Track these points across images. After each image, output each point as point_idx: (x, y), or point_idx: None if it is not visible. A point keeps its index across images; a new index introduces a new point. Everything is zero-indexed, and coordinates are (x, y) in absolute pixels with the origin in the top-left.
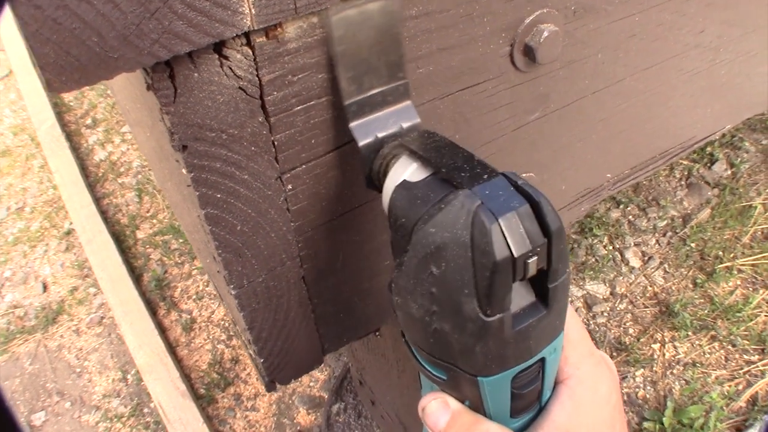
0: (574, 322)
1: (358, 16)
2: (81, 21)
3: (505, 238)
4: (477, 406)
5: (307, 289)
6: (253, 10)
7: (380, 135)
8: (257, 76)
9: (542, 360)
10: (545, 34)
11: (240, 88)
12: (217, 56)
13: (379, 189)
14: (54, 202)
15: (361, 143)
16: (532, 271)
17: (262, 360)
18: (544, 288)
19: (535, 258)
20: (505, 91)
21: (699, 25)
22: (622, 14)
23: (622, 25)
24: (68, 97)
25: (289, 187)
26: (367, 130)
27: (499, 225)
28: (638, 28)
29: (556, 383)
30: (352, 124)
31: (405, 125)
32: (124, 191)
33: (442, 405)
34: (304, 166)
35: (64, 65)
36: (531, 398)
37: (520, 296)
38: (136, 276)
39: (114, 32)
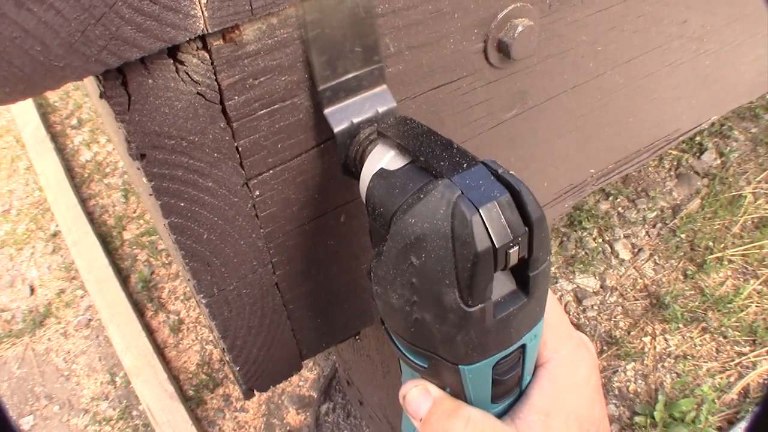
0: (553, 306)
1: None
2: (21, 30)
3: (486, 229)
4: (458, 393)
5: (281, 295)
6: (206, 13)
7: (356, 120)
8: (216, 80)
9: (523, 346)
10: (519, 29)
11: (198, 93)
12: (172, 61)
13: (356, 176)
14: (40, 204)
15: (336, 129)
16: (513, 260)
17: (238, 368)
18: (525, 276)
19: (516, 248)
20: (480, 89)
21: (681, 15)
22: (600, 6)
23: (601, 17)
24: (53, 97)
25: (257, 193)
26: (342, 116)
27: (480, 216)
28: (618, 20)
29: (536, 367)
30: (327, 110)
31: (381, 110)
32: (111, 192)
33: (423, 392)
34: (271, 172)
35: (6, 76)
36: (511, 384)
37: (501, 284)
38: (123, 277)
39: (58, 40)
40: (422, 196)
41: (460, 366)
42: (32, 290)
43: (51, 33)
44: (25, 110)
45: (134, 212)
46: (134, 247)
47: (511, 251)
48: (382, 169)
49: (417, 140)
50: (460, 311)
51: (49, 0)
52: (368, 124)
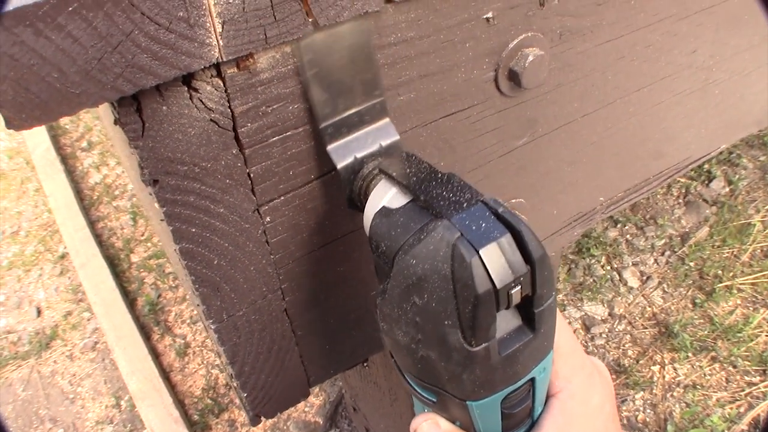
0: (564, 334)
1: (328, 38)
2: (39, 57)
3: (487, 271)
4: (468, 427)
5: (290, 321)
6: (221, 42)
7: (359, 155)
8: (229, 107)
9: (532, 380)
10: (530, 58)
11: (212, 120)
12: (186, 89)
13: (361, 209)
14: (49, 226)
15: (340, 165)
16: (516, 300)
17: (245, 394)
18: (530, 312)
19: (518, 287)
20: (490, 117)
21: (691, 45)
22: (609, 36)
23: (611, 47)
24: (64, 120)
25: (268, 219)
26: (345, 152)
27: (480, 257)
28: (627, 50)
29: (548, 397)
30: (330, 147)
31: (384, 143)
32: (119, 214)
33: (432, 426)
34: (282, 198)
35: (23, 102)
36: (522, 416)
37: (506, 321)
38: (130, 300)
39: (75, 67)
40: (423, 236)
41: (467, 402)
42: (39, 312)
43: (68, 60)
44: (35, 132)
45: (142, 235)
46: (142, 270)
47: (513, 291)
48: (384, 207)
49: (417, 177)
50: (463, 351)
51: (67, 28)
52: (372, 159)
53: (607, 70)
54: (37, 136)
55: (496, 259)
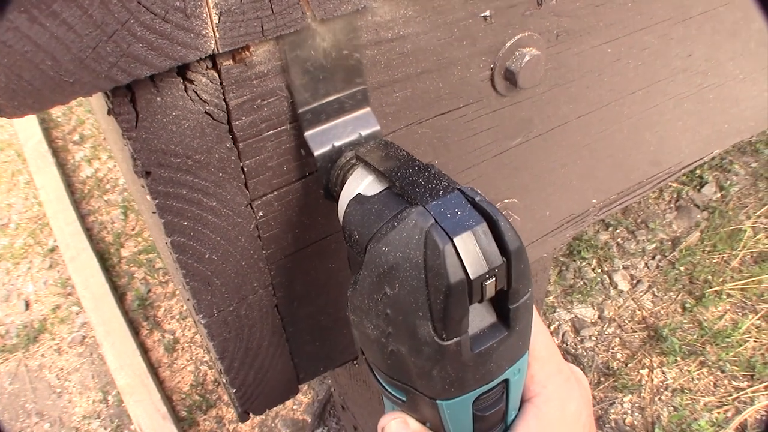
0: (541, 337)
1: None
2: (33, 44)
3: (460, 260)
4: (437, 428)
5: (281, 317)
6: (217, 33)
7: (337, 144)
8: (224, 100)
9: (506, 381)
10: (527, 58)
11: (206, 112)
12: (181, 80)
13: (336, 200)
14: (39, 219)
15: (317, 152)
16: (490, 293)
17: (234, 390)
18: (505, 308)
19: (493, 279)
20: (486, 116)
21: (687, 48)
22: (606, 38)
23: (607, 49)
24: (56, 112)
25: (261, 214)
26: (322, 139)
27: (454, 245)
28: (623, 53)
29: (523, 401)
30: (307, 133)
31: (364, 133)
32: (110, 208)
33: (401, 425)
34: (275, 193)
35: (16, 90)
36: (495, 419)
37: (480, 317)
38: (119, 295)
39: (69, 55)
40: (396, 223)
41: (438, 401)
42: (27, 305)
43: (62, 48)
44: (27, 125)
45: (133, 229)
46: (132, 264)
47: (487, 283)
48: (359, 194)
49: (395, 165)
50: (434, 345)
51: (61, 15)
52: (350, 148)
53: (602, 72)
54: (29, 129)
55: (471, 249)
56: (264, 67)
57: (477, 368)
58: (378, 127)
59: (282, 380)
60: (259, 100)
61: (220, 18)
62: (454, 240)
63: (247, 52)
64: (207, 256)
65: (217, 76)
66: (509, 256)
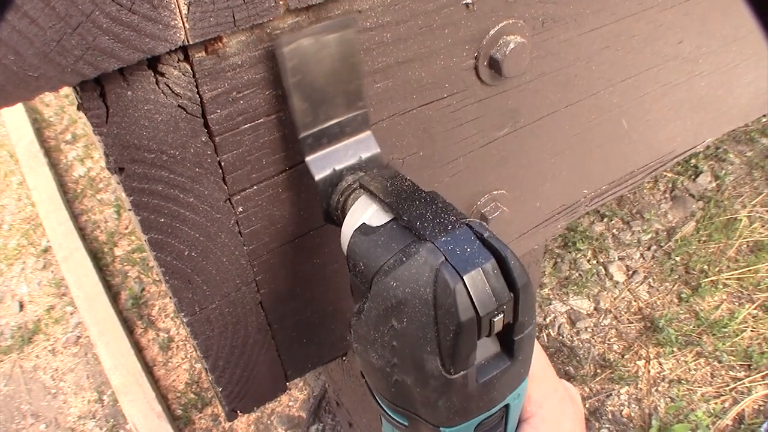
0: (537, 358)
1: (312, 45)
2: None
3: (470, 298)
4: None
5: (265, 314)
6: (187, 24)
7: (338, 168)
8: (198, 93)
9: (506, 406)
10: (511, 46)
11: (179, 106)
12: (152, 73)
13: (338, 224)
14: (32, 219)
15: (318, 177)
16: (497, 328)
17: (220, 389)
18: (510, 340)
19: (501, 315)
20: (470, 106)
21: (677, 35)
22: (593, 25)
23: (595, 36)
24: (48, 112)
25: (240, 209)
26: (323, 163)
27: (464, 284)
28: (612, 40)
29: (520, 422)
30: (308, 158)
31: (364, 156)
32: (103, 208)
33: None
34: (255, 187)
35: None
36: None
37: (485, 347)
38: (113, 294)
39: (32, 49)
40: (405, 258)
41: (441, 428)
42: (21, 306)
43: (25, 42)
44: (19, 125)
45: (126, 228)
46: (125, 263)
47: (495, 319)
48: (364, 224)
49: (400, 196)
50: (441, 378)
51: (23, 8)
52: (351, 172)
53: (591, 59)
54: (21, 129)
55: (480, 286)
56: (238, 58)
57: (481, 397)
58: (378, 150)
59: (269, 378)
60: (234, 93)
61: (189, 8)
62: (465, 278)
63: (219, 43)
64: (186, 253)
65: (189, 68)
66: (517, 291)
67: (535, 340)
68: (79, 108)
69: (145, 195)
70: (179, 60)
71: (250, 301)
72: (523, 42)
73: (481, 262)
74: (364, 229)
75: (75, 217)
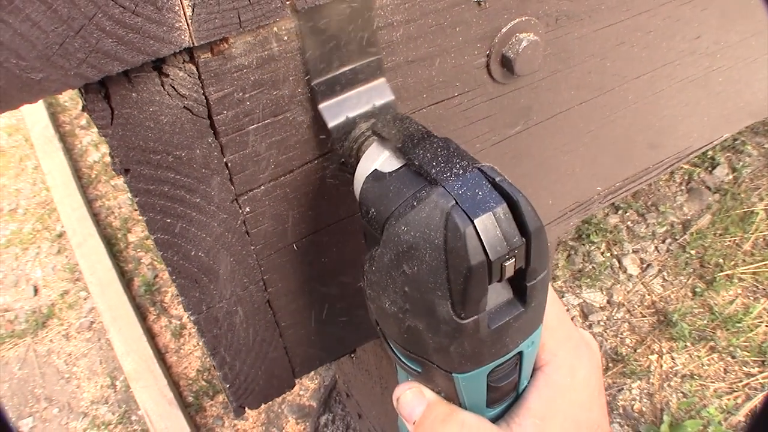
0: (552, 306)
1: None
2: None
3: (481, 242)
4: (452, 398)
5: (273, 313)
6: (191, 26)
7: (351, 115)
8: (204, 94)
9: (520, 353)
10: (524, 43)
11: (185, 107)
12: (157, 74)
13: (351, 172)
14: (47, 204)
15: (331, 124)
16: (509, 273)
17: (228, 385)
18: (522, 286)
19: (512, 260)
20: (482, 105)
21: (694, 30)
22: (609, 21)
23: (610, 32)
24: (63, 97)
25: (247, 209)
26: (337, 111)
27: (474, 228)
28: (627, 36)
29: (534, 369)
30: (321, 105)
31: (378, 103)
32: (117, 193)
33: (417, 395)
34: (262, 188)
35: None
36: (508, 389)
37: (497, 293)
38: (126, 280)
39: (35, 52)
40: (415, 203)
41: (453, 374)
42: (36, 291)
43: (27, 45)
44: (34, 109)
45: (140, 215)
46: (139, 249)
47: (506, 264)
48: (376, 170)
49: (412, 141)
50: (452, 323)
51: (25, 11)
52: (365, 119)
53: (605, 56)
54: (36, 113)
55: (491, 230)
56: (244, 59)
57: (493, 343)
58: (392, 97)
59: (277, 374)
60: (240, 94)
61: (193, 10)
62: (475, 222)
63: (225, 44)
64: (193, 253)
65: (195, 69)
66: (529, 236)
67: (551, 287)
68: (83, 110)
69: (151, 196)
70: (184, 61)
71: (258, 300)
72: (536, 40)
73: (492, 206)
74: (376, 175)
75: (89, 202)
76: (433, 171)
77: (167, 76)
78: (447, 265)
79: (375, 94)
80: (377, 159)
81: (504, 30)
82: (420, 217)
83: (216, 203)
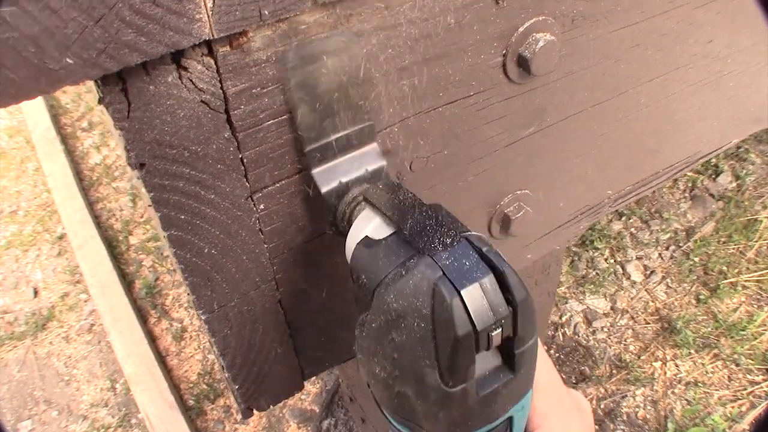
0: (544, 367)
1: (316, 60)
2: (15, 30)
3: (468, 312)
4: None
5: (284, 313)
6: (212, 18)
7: (344, 180)
8: (221, 88)
9: (510, 418)
10: (541, 43)
11: (202, 101)
12: (175, 67)
13: (344, 235)
14: (47, 206)
15: (324, 190)
16: (496, 342)
17: (236, 386)
18: (511, 353)
19: (499, 330)
20: (497, 104)
21: (707, 34)
22: (624, 23)
23: (625, 34)
24: (65, 99)
25: (261, 207)
26: (330, 176)
27: (461, 298)
28: (642, 38)
29: None
30: (315, 171)
31: (370, 168)
32: (118, 196)
33: None
34: (277, 185)
35: None
36: None
37: (485, 360)
38: (127, 282)
39: (54, 42)
40: (404, 272)
41: None
42: (36, 293)
43: (46, 34)
44: (36, 111)
45: (141, 217)
46: (140, 252)
47: (494, 333)
48: (367, 237)
49: (402, 209)
50: (441, 391)
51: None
52: (357, 184)
53: (620, 58)
54: (38, 115)
55: (478, 301)
56: (263, 53)
57: (482, 410)
58: (384, 162)
59: (286, 376)
60: (258, 88)
61: (214, 1)
62: (462, 292)
63: (245, 38)
64: (206, 250)
65: (213, 63)
66: (515, 306)
67: (540, 349)
68: (100, 102)
69: (166, 191)
70: (203, 54)
71: (270, 300)
72: (553, 39)
73: (479, 277)
74: (366, 242)
75: (90, 204)
76: (422, 240)
77: (186, 69)
78: (434, 335)
79: (367, 160)
80: (368, 226)
81: (521, 29)
82: (408, 286)
83: (230, 200)
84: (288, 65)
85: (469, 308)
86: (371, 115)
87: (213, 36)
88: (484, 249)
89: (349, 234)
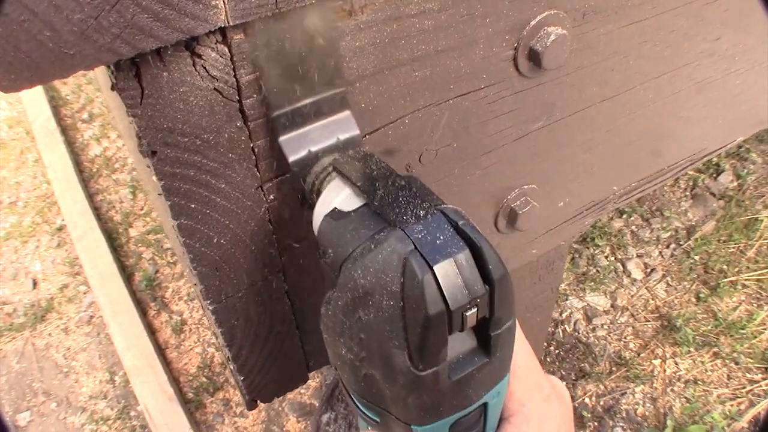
0: (521, 351)
1: (287, 21)
2: (30, 12)
3: (440, 290)
4: None
5: (291, 304)
6: (228, 5)
7: (314, 149)
8: (235, 76)
9: (484, 404)
10: (552, 37)
11: (215, 89)
12: (189, 54)
13: (311, 208)
14: (47, 197)
15: (292, 158)
16: (470, 323)
17: (242, 378)
18: (486, 335)
19: (474, 309)
20: (507, 98)
21: (715, 32)
22: (634, 18)
23: (635, 30)
24: (65, 90)
25: (272, 197)
26: (298, 144)
27: (434, 275)
28: (651, 34)
29: (501, 420)
30: (282, 138)
31: (342, 137)
32: (118, 188)
33: None
34: (287, 175)
35: (12, 62)
36: None
37: (459, 342)
38: (127, 275)
39: (69, 25)
40: (373, 246)
41: (412, 426)
42: (35, 284)
43: (62, 17)
44: (36, 102)
45: (141, 209)
46: (140, 244)
47: (468, 313)
48: (335, 209)
49: (374, 180)
50: (410, 374)
51: None
52: (328, 153)
53: (629, 54)
54: (38, 106)
55: (452, 278)
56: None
57: (455, 395)
58: (357, 132)
59: (291, 368)
60: None
61: None
62: (435, 268)
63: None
64: (215, 240)
65: (227, 50)
66: (492, 284)
67: (519, 332)
68: (112, 88)
69: (177, 180)
70: (217, 42)
71: (277, 291)
72: (564, 33)
73: (454, 252)
74: (335, 214)
75: (90, 196)
76: (393, 212)
77: (200, 56)
78: (404, 314)
79: (340, 128)
80: (337, 197)
81: (533, 23)
82: (377, 261)
83: (241, 189)
84: (256, 27)
85: (442, 285)
86: (345, 81)
87: (228, 23)
88: (460, 222)
89: (316, 206)
